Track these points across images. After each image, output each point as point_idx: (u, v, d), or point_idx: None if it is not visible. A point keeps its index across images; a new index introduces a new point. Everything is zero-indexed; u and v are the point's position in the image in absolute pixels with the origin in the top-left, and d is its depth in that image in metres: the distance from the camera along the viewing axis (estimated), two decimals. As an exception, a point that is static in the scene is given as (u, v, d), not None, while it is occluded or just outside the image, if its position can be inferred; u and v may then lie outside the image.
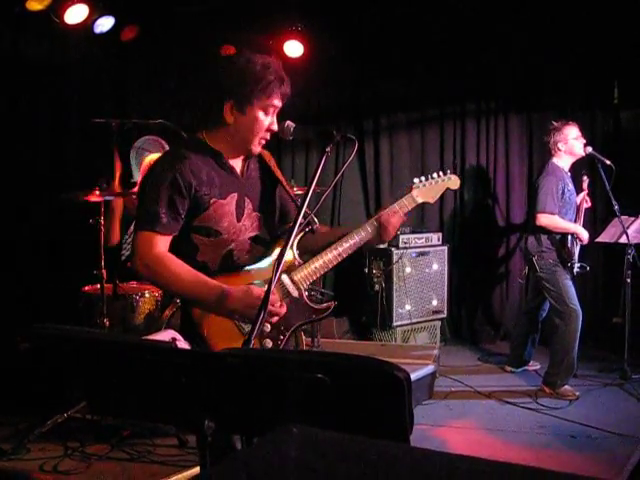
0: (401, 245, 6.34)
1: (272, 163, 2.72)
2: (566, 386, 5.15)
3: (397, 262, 6.27)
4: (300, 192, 5.34)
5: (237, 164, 2.58)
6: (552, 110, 6.63)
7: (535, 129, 6.90)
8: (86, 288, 4.70)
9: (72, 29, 5.21)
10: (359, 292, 6.63)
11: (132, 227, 4.81)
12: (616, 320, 5.81)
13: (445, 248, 6.62)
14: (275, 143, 7.00)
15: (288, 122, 2.56)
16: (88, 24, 5.24)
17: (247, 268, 2.54)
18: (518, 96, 6.99)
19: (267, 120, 2.49)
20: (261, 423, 1.57)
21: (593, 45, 6.24)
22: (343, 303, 7.13)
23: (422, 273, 6.46)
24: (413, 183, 2.85)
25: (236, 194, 2.52)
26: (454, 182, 2.95)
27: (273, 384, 1.53)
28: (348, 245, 2.61)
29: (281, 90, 2.50)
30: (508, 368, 5.85)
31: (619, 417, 4.69)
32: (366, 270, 6.53)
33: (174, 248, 2.45)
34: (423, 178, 2.86)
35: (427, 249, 6.52)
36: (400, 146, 7.10)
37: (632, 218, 5.54)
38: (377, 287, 6.36)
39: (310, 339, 5.49)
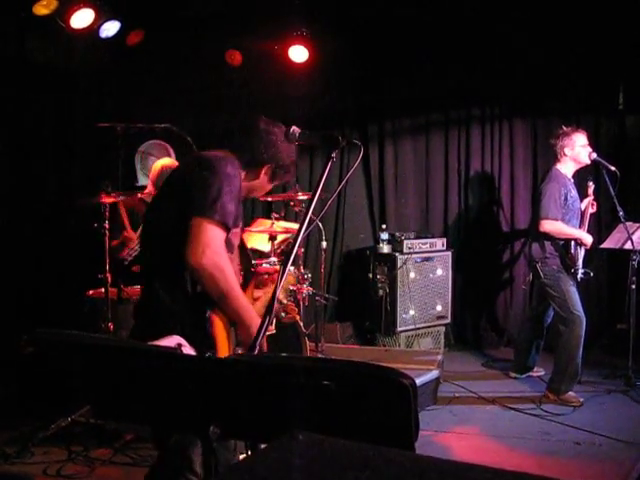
0: (405, 250, 6.34)
1: None
2: (570, 392, 5.14)
3: (401, 267, 6.27)
4: (304, 197, 5.35)
5: None
6: (557, 115, 6.62)
7: (540, 134, 6.89)
8: (91, 292, 4.70)
9: (78, 34, 5.22)
10: (363, 297, 6.64)
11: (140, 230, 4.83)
12: (621, 326, 5.81)
13: (449, 253, 6.61)
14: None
15: (293, 127, 2.57)
16: (94, 29, 5.25)
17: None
18: (523, 101, 6.98)
19: (275, 176, 2.80)
20: (266, 430, 1.57)
21: (598, 50, 6.24)
22: (347, 308, 7.14)
23: (426, 278, 6.46)
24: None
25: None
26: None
27: (278, 390, 1.52)
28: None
29: (294, 147, 2.79)
30: (512, 374, 5.84)
31: (624, 424, 4.67)
32: (370, 275, 6.53)
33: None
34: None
35: (431, 254, 6.52)
36: (405, 151, 7.10)
37: (637, 224, 5.53)
38: (381, 292, 6.36)
39: (314, 344, 5.49)
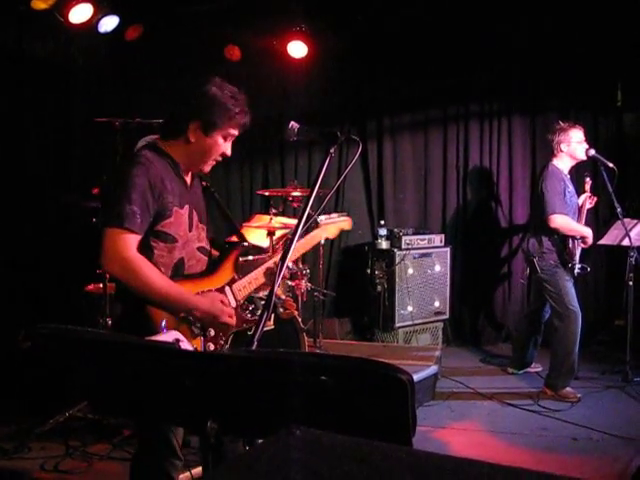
0: (403, 246, 6.34)
1: (207, 183, 3.00)
2: (568, 388, 5.15)
3: (399, 263, 6.27)
4: (303, 193, 5.35)
5: (188, 178, 2.77)
6: (555, 112, 6.62)
7: (538, 131, 6.89)
8: (89, 287, 4.70)
9: (76, 28, 5.21)
10: (361, 293, 6.64)
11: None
12: (618, 322, 5.81)
13: (447, 249, 6.62)
14: (278, 143, 7.07)
15: (292, 123, 2.56)
16: (92, 23, 5.24)
17: (197, 278, 2.72)
18: (521, 98, 6.98)
19: (224, 146, 2.69)
20: (264, 425, 1.57)
21: (596, 47, 6.24)
22: (345, 304, 7.15)
23: (424, 274, 6.46)
24: (320, 220, 3.32)
25: (188, 205, 2.70)
26: (347, 223, 3.42)
27: (276, 386, 1.53)
28: (273, 262, 2.91)
29: (243, 121, 2.69)
30: (510, 370, 5.85)
31: (621, 419, 4.69)
32: (368, 271, 6.53)
33: None
34: (326, 216, 3.38)
35: (429, 250, 6.52)
36: (403, 147, 7.09)
37: (635, 221, 5.54)
38: (379, 288, 6.36)
39: (312, 340, 5.49)
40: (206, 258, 2.79)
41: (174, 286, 2.55)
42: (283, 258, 2.24)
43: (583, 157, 5.31)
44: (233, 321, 2.67)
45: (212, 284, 2.74)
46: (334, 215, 3.33)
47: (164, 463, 2.60)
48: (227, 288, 2.78)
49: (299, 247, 3.05)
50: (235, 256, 2.86)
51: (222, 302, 2.66)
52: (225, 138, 2.68)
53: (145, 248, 2.55)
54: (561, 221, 5.13)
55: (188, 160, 2.69)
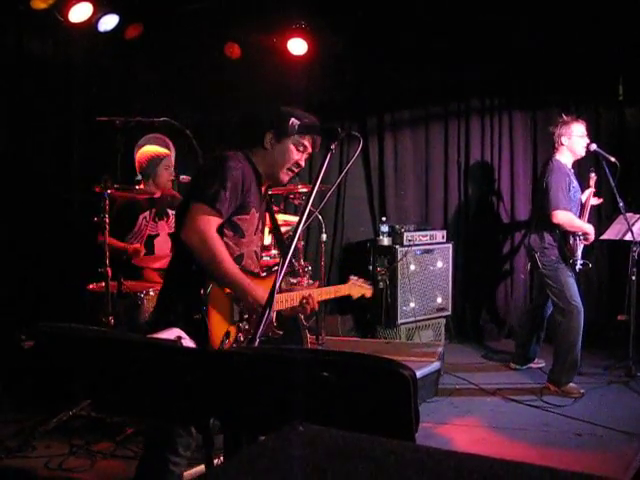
0: (405, 243, 6.34)
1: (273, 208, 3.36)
2: (571, 384, 5.14)
3: (401, 260, 6.27)
4: (304, 190, 5.35)
5: (263, 190, 3.06)
6: (556, 107, 6.60)
7: (539, 126, 6.88)
8: (91, 286, 4.69)
9: (76, 27, 5.21)
10: (363, 290, 6.63)
11: (138, 225, 4.82)
12: (621, 318, 5.80)
13: (449, 246, 6.61)
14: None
15: (292, 119, 2.58)
16: (92, 22, 5.24)
17: (255, 275, 2.98)
18: (522, 93, 6.97)
19: (296, 154, 2.95)
20: (267, 422, 1.57)
21: (598, 41, 6.22)
22: (348, 301, 7.14)
23: (426, 271, 6.45)
24: (350, 279, 3.57)
25: (259, 213, 3.00)
26: (369, 292, 3.65)
27: (278, 383, 1.52)
28: (309, 292, 3.11)
29: (314, 138, 2.95)
30: (513, 365, 5.84)
31: (625, 415, 4.68)
32: (370, 268, 6.53)
33: None
34: (357, 277, 3.60)
35: (431, 247, 6.51)
36: (404, 143, 7.09)
37: (637, 215, 5.53)
38: (381, 285, 6.36)
39: (315, 337, 5.49)
40: (258, 262, 3.07)
41: (239, 269, 2.80)
42: (284, 255, 2.24)
43: (582, 153, 5.30)
44: (267, 326, 2.78)
45: (263, 286, 2.88)
46: (361, 280, 3.62)
47: (177, 440, 2.70)
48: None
49: (322, 293, 3.28)
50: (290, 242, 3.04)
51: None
52: (297, 147, 2.93)
53: (217, 232, 2.78)
54: (564, 217, 5.11)
55: (267, 168, 2.98)
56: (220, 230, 2.79)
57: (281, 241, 3.52)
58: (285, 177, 3.00)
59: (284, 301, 3.01)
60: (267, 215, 3.23)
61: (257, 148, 2.97)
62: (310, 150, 3.00)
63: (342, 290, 3.48)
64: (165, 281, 3.08)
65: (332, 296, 3.44)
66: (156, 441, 2.75)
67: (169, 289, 2.94)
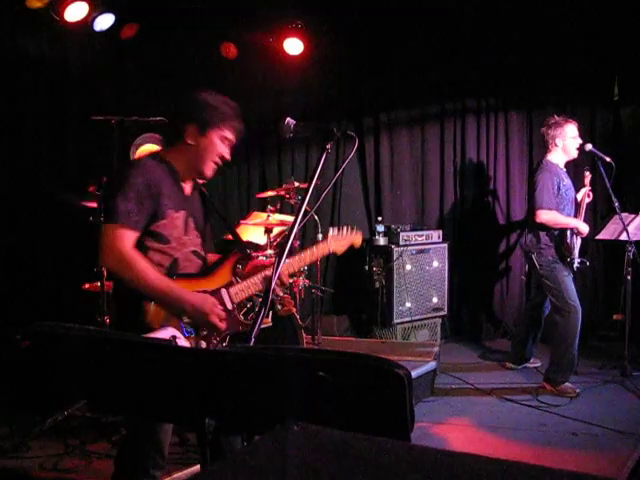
0: (401, 242, 6.34)
1: (207, 197, 3.08)
2: (567, 383, 5.15)
3: (397, 259, 6.27)
4: (300, 189, 5.35)
5: (187, 187, 2.88)
6: (552, 107, 6.61)
7: (535, 126, 6.88)
8: (86, 286, 4.69)
9: (72, 27, 5.20)
10: (359, 289, 6.64)
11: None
12: (616, 317, 5.81)
13: (445, 245, 6.62)
14: (275, 140, 7.06)
15: (288, 119, 2.57)
16: (88, 22, 5.23)
17: (191, 278, 2.81)
18: (518, 93, 6.98)
19: (221, 147, 2.81)
20: (262, 421, 1.57)
21: (594, 42, 6.23)
22: (343, 301, 7.12)
23: (422, 270, 6.46)
24: (329, 232, 3.22)
25: (184, 211, 2.81)
26: (358, 239, 3.29)
27: (274, 382, 1.52)
28: (270, 272, 2.87)
29: (236, 125, 2.82)
30: (508, 365, 5.85)
31: (620, 414, 4.69)
32: (366, 267, 6.53)
33: None
34: (337, 229, 3.23)
35: (427, 246, 6.52)
36: (400, 143, 7.09)
37: (632, 215, 5.54)
38: (377, 284, 6.36)
39: (310, 337, 5.49)
40: (200, 262, 2.88)
41: (167, 281, 2.65)
42: (280, 255, 2.24)
43: (575, 154, 5.31)
44: (222, 324, 2.70)
45: (208, 285, 2.80)
46: (345, 229, 3.22)
47: (148, 461, 2.65)
48: (223, 290, 2.83)
49: (304, 258, 3.06)
50: (234, 261, 2.92)
51: (214, 304, 2.69)
52: (221, 140, 2.79)
53: (140, 247, 2.66)
54: (546, 216, 5.13)
55: (189, 165, 2.81)
56: (142, 244, 2.67)
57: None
58: (210, 171, 2.83)
59: (245, 289, 2.87)
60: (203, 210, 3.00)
61: (178, 144, 2.80)
62: (234, 141, 2.85)
63: (320, 250, 3.13)
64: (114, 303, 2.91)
65: (308, 261, 3.11)
66: (139, 439, 2.69)
67: (117, 313, 2.84)
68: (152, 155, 2.83)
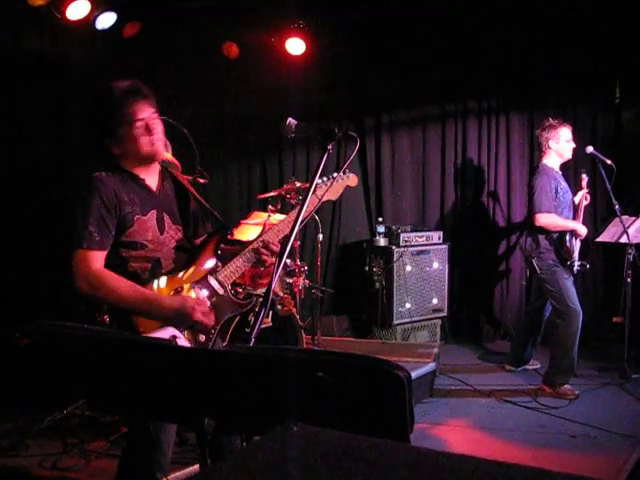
0: (402, 243, 6.34)
1: (185, 182, 2.97)
2: (566, 385, 5.15)
3: (397, 260, 6.27)
4: (301, 189, 5.34)
5: (153, 183, 2.80)
6: (553, 109, 6.61)
7: (536, 128, 6.86)
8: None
9: (74, 25, 5.20)
10: (359, 290, 6.64)
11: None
12: (616, 319, 5.81)
13: (445, 247, 6.61)
14: (276, 140, 7.06)
15: (290, 119, 2.56)
16: (90, 20, 5.23)
17: (176, 274, 2.74)
18: (519, 95, 6.98)
19: (140, 131, 2.66)
20: (261, 422, 1.56)
21: (595, 44, 6.23)
22: (343, 301, 7.11)
23: (422, 271, 6.45)
24: (315, 181, 2.79)
25: (155, 210, 2.75)
26: (352, 180, 3.12)
27: (273, 383, 1.52)
28: (258, 242, 2.81)
29: (136, 103, 2.66)
30: (508, 367, 5.85)
31: (619, 416, 4.69)
32: (366, 268, 6.53)
33: (106, 261, 2.64)
34: (325, 178, 2.94)
35: (428, 247, 6.51)
36: (401, 144, 7.09)
37: (633, 218, 5.54)
38: (377, 285, 6.36)
39: (310, 337, 5.49)
40: (186, 255, 2.81)
41: (141, 291, 2.61)
42: (280, 255, 2.24)
43: (569, 156, 5.33)
44: (208, 320, 2.64)
45: (193, 277, 2.75)
46: (334, 175, 2.92)
47: (151, 463, 2.64)
48: (210, 278, 2.77)
49: (285, 224, 2.82)
50: (214, 243, 2.83)
51: (194, 301, 2.65)
52: (135, 126, 2.65)
53: (118, 259, 2.66)
54: (545, 219, 5.14)
55: (137, 161, 2.73)
56: (118, 256, 2.65)
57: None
58: (153, 149, 2.69)
59: (235, 270, 2.78)
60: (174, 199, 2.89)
61: (115, 157, 2.72)
62: (152, 110, 2.69)
63: (309, 205, 2.51)
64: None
65: (299, 220, 2.42)
66: (142, 440, 2.67)
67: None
68: (104, 166, 2.71)
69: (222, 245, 2.85)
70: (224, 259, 2.82)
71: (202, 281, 2.74)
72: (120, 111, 2.64)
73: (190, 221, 2.93)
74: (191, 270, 2.76)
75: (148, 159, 2.74)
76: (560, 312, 5.17)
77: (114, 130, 2.65)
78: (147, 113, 2.68)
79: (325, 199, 2.87)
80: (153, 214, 2.74)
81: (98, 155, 2.76)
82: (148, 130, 2.66)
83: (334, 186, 2.96)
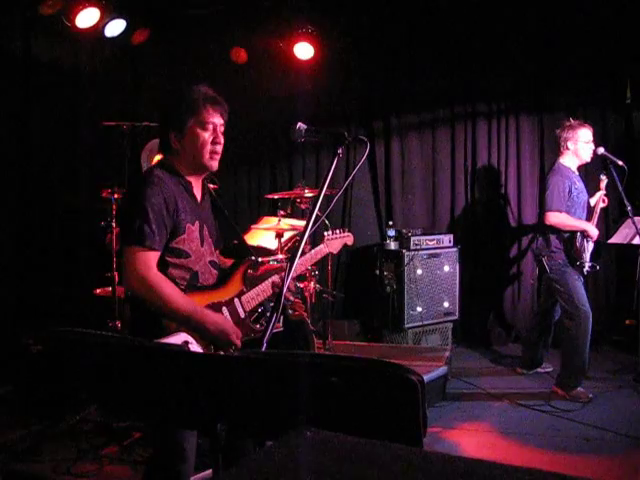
0: (412, 247, 6.33)
1: (217, 198, 3.10)
2: (579, 388, 5.12)
3: (408, 264, 6.25)
4: (311, 194, 5.35)
5: (198, 194, 2.83)
6: (564, 110, 6.58)
7: (546, 129, 6.86)
8: (98, 291, 4.71)
9: (83, 33, 5.23)
10: (370, 294, 6.63)
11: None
12: (629, 322, 5.77)
13: (456, 250, 6.59)
14: (285, 145, 7.07)
15: (299, 124, 2.57)
16: (99, 28, 5.26)
17: (209, 290, 2.80)
18: (529, 96, 6.95)
19: (207, 135, 2.70)
20: (274, 427, 1.56)
21: (605, 45, 6.21)
22: (354, 305, 7.12)
23: (433, 275, 6.44)
24: (326, 236, 3.44)
25: (198, 222, 2.78)
26: (349, 239, 3.56)
27: (286, 387, 1.52)
28: (279, 277, 2.98)
29: (213, 107, 2.71)
30: (520, 370, 5.82)
31: (633, 419, 4.66)
32: (377, 272, 6.52)
33: None
34: (331, 232, 3.46)
35: (438, 251, 6.50)
36: (411, 147, 7.08)
37: (645, 219, 5.50)
38: (388, 289, 6.35)
39: (321, 341, 5.49)
40: (217, 272, 2.87)
41: (192, 303, 2.63)
42: (292, 259, 2.24)
43: (587, 159, 5.28)
44: (239, 342, 2.71)
45: (222, 296, 2.82)
46: (337, 231, 3.49)
47: (176, 469, 2.63)
48: (236, 300, 2.87)
49: (304, 262, 3.18)
50: (244, 269, 2.95)
51: (228, 325, 2.72)
52: (203, 127, 2.69)
53: (160, 264, 2.63)
54: (555, 219, 5.11)
55: (189, 166, 2.75)
56: (163, 262, 2.64)
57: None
58: (211, 162, 2.73)
59: (255, 297, 2.92)
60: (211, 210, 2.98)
61: (171, 153, 2.74)
62: (222, 121, 2.74)
63: (320, 252, 3.34)
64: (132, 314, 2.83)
65: (309, 264, 3.33)
66: (166, 448, 2.66)
67: (134, 325, 2.78)
68: (161, 165, 2.75)
69: (249, 271, 2.98)
70: (250, 284, 2.95)
71: (229, 302, 2.83)
72: (196, 104, 2.67)
73: (217, 236, 2.98)
74: (222, 289, 2.84)
75: (200, 170, 2.79)
76: (569, 313, 5.14)
77: (183, 121, 2.67)
78: (219, 120, 2.73)
79: (328, 251, 3.40)
80: (197, 225, 2.76)
81: (160, 146, 2.82)
82: (213, 137, 2.71)
83: (337, 240, 3.46)
